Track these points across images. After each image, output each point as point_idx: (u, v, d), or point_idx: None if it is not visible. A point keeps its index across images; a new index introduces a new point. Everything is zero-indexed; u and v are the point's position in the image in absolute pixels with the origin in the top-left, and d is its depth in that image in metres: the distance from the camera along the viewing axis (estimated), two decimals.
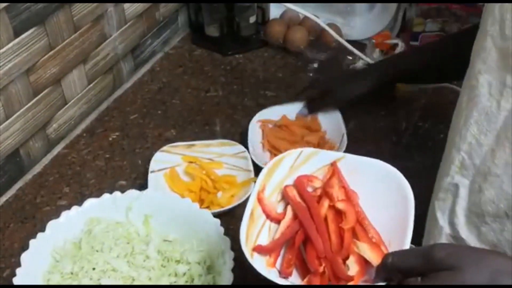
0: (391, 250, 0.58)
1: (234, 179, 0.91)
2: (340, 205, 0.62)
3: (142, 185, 0.90)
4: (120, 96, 1.14)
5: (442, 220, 0.65)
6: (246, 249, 0.58)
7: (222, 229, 0.74)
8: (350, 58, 1.11)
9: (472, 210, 0.62)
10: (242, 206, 0.86)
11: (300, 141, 0.97)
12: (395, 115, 1.08)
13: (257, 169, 0.91)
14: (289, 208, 0.64)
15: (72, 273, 0.73)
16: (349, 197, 0.63)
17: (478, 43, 0.60)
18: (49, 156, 1.00)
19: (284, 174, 0.65)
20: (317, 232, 0.61)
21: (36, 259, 0.72)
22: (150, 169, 0.91)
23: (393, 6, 1.19)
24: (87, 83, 1.06)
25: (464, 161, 0.61)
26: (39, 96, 0.94)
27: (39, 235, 0.75)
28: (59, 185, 0.95)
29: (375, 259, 0.57)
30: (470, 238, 0.62)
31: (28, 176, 0.96)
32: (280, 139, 0.98)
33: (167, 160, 0.93)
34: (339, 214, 0.62)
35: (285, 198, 0.65)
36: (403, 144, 1.02)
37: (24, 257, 0.71)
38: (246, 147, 0.95)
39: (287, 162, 0.65)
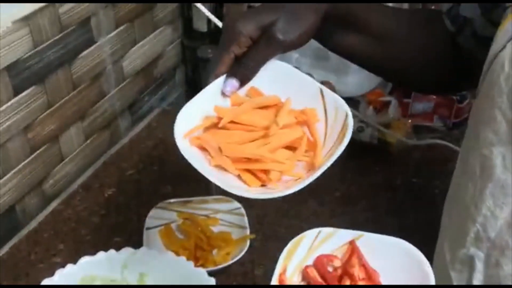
0: None
1: (229, 236, 0.91)
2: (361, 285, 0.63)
3: (138, 242, 0.90)
4: (116, 151, 1.14)
5: None
6: None
7: None
8: None
9: (490, 283, 0.61)
10: (237, 264, 0.86)
11: (274, 131, 0.61)
12: (390, 171, 1.09)
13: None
14: None
15: None
16: (370, 275, 0.63)
17: (484, 112, 0.59)
18: (45, 212, 0.99)
19: (304, 254, 0.64)
20: None
21: None
22: (146, 225, 0.91)
23: None
24: (84, 139, 1.07)
25: (479, 234, 0.60)
26: (37, 153, 0.95)
27: None
28: (54, 241, 0.94)
29: None
30: None
31: (23, 233, 0.95)
32: (244, 144, 0.61)
33: (163, 217, 0.94)
34: None
35: (306, 278, 0.64)
36: (399, 200, 1.03)
37: None
38: (241, 202, 0.95)
39: (306, 243, 0.64)
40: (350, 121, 0.62)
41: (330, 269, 0.64)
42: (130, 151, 1.15)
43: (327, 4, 0.67)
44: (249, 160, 0.61)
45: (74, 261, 0.79)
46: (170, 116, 1.26)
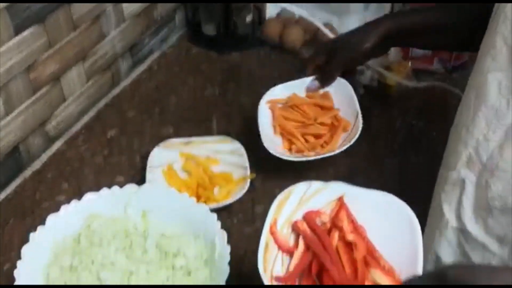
0: (403, 278, 0.60)
1: (230, 176, 0.93)
2: (350, 237, 0.65)
3: (140, 181, 0.91)
4: (118, 93, 1.15)
5: (448, 213, 0.66)
6: (265, 277, 0.61)
7: (218, 224, 0.76)
8: None
9: (479, 204, 0.63)
10: (238, 202, 0.88)
11: (313, 123, 0.96)
12: (389, 114, 1.09)
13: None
14: (300, 240, 0.67)
15: (71, 267, 0.74)
16: (357, 230, 0.66)
17: (487, 40, 0.61)
18: (48, 153, 1.01)
19: (293, 208, 0.68)
20: (331, 262, 0.64)
21: (36, 253, 0.74)
22: (148, 165, 0.93)
23: (388, 5, 1.21)
24: (86, 80, 1.07)
25: (471, 157, 0.62)
26: (39, 93, 0.96)
27: (39, 228, 0.76)
28: (58, 181, 0.96)
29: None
30: (476, 231, 0.64)
31: (28, 173, 0.97)
32: (291, 121, 0.96)
33: (165, 157, 0.95)
34: (349, 246, 0.65)
35: (296, 231, 0.68)
36: (398, 143, 1.04)
37: (24, 250, 0.72)
38: (242, 143, 0.97)
39: (296, 196, 0.68)
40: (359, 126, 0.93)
41: (318, 223, 0.67)
42: (132, 93, 1.15)
43: (386, 28, 0.87)
44: (288, 132, 0.96)
45: (79, 199, 0.81)
46: (170, 59, 1.27)
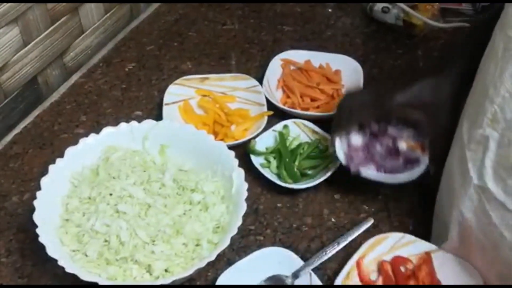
0: None
1: (247, 113, 0.92)
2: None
3: (158, 116, 0.91)
4: (136, 26, 1.13)
5: (472, 170, 0.65)
6: None
7: (236, 161, 0.76)
8: None
9: (500, 163, 0.62)
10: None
11: (314, 87, 0.96)
12: (413, 54, 1.07)
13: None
14: (380, 278, 0.71)
15: (90, 198, 0.75)
16: (434, 282, 0.70)
17: None
18: (66, 85, 1.01)
19: (385, 250, 0.73)
20: None
21: (55, 184, 0.74)
22: (164, 101, 0.92)
23: None
24: (104, 12, 1.05)
25: (496, 114, 0.61)
26: (57, 24, 0.95)
27: (58, 160, 0.76)
28: (76, 113, 0.96)
29: None
30: (497, 191, 0.63)
31: (46, 104, 0.97)
32: (296, 82, 0.97)
33: (181, 93, 0.94)
34: None
35: (380, 270, 0.72)
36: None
37: (44, 181, 0.73)
38: (261, 81, 0.95)
39: (390, 242, 0.73)
40: None
41: (402, 269, 0.72)
42: (150, 26, 1.13)
43: None
44: (290, 90, 0.97)
45: (97, 132, 0.81)
46: None
